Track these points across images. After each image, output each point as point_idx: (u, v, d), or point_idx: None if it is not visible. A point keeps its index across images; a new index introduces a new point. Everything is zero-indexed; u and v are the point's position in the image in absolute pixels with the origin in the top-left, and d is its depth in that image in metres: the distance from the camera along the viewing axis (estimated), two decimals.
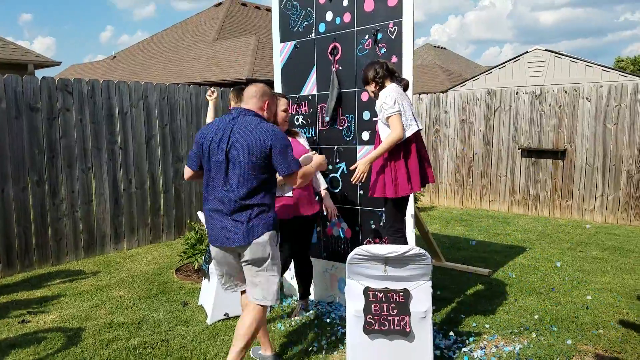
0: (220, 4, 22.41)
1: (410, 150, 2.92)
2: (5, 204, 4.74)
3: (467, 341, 3.16)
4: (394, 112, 2.83)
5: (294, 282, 4.09)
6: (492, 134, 7.67)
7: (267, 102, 2.67)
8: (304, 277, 3.69)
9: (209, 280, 3.73)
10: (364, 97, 3.49)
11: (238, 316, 3.38)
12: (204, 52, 17.78)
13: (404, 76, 3.23)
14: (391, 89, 2.93)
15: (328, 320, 3.52)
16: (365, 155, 3.32)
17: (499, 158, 7.64)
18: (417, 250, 2.56)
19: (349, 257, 2.66)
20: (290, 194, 3.24)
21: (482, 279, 4.40)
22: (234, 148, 2.50)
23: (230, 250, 2.59)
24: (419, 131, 2.97)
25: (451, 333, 3.25)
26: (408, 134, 2.89)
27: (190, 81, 14.87)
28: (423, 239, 4.78)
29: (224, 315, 3.59)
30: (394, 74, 3.01)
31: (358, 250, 2.62)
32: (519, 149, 7.39)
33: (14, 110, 4.76)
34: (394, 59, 3.30)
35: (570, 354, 2.99)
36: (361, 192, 3.60)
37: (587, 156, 6.82)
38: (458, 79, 21.81)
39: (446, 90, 12.78)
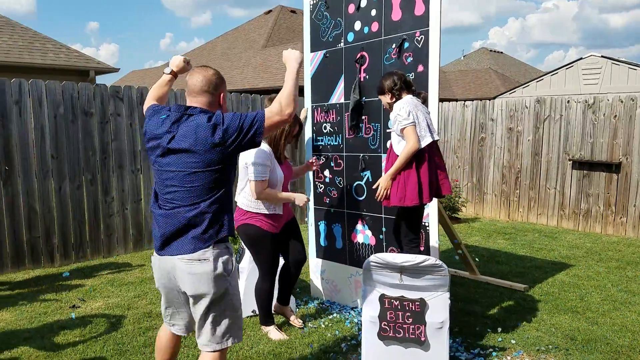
0: (270, 11, 23.02)
1: (423, 162, 2.92)
2: (63, 200, 5.17)
3: (490, 355, 3.10)
4: (407, 123, 2.85)
5: (318, 284, 4.18)
6: (541, 144, 7.38)
7: (222, 95, 2.23)
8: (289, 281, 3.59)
9: (239, 278, 3.88)
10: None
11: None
12: (253, 59, 18.33)
13: (430, 85, 3.24)
14: (406, 100, 2.95)
15: (349, 325, 3.56)
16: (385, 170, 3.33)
17: (548, 169, 7.33)
18: (433, 260, 2.56)
19: (365, 263, 2.70)
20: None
21: (517, 295, 4.26)
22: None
23: None
24: (434, 142, 2.97)
25: (474, 347, 3.19)
26: (422, 145, 2.89)
27: (239, 88, 15.37)
28: (455, 250, 4.70)
29: (252, 311, 3.74)
30: (410, 87, 3.04)
31: (374, 257, 2.66)
32: (569, 160, 7.06)
33: (71, 114, 5.19)
34: (420, 68, 3.31)
35: None
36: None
37: None
38: (515, 85, 21.07)
39: (494, 98, 12.39)
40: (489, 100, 8.18)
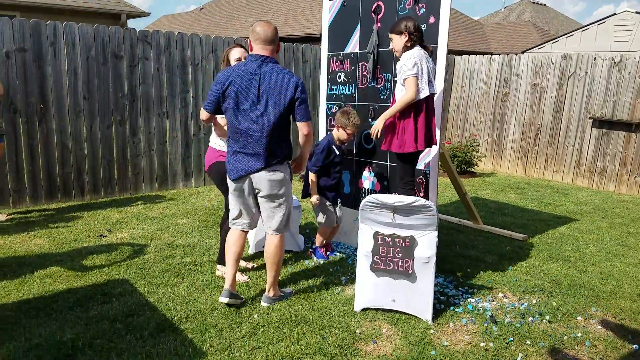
0: None
1: (420, 112, 3.07)
2: (93, 139, 5.54)
3: (477, 293, 3.36)
4: (411, 74, 2.99)
5: None
6: (563, 101, 7.29)
7: (279, 45, 2.96)
8: None
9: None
10: None
11: None
12: (282, 5, 18.07)
13: (440, 36, 3.34)
14: (414, 52, 3.07)
15: (350, 262, 3.87)
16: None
17: (568, 127, 7.28)
18: (423, 201, 2.78)
19: (361, 203, 2.94)
20: None
21: (515, 243, 4.47)
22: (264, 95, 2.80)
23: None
24: (431, 95, 3.11)
25: (463, 285, 3.46)
26: (421, 96, 3.03)
27: None
28: (461, 201, 4.89)
29: (263, 246, 4.07)
30: (422, 38, 3.14)
31: (369, 197, 2.89)
32: (590, 118, 6.99)
33: (102, 57, 5.45)
34: (432, 20, 3.39)
35: (576, 315, 3.09)
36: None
37: None
38: None
39: (522, 52, 12.03)
40: (516, 54, 8.03)
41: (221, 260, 3.50)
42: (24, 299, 3.10)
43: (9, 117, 4.98)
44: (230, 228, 3.16)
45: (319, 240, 3.98)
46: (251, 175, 2.92)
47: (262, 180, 2.91)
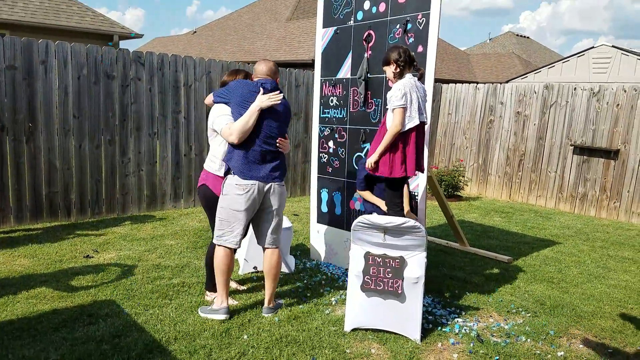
0: None
1: (409, 140, 3.15)
2: (82, 158, 5.52)
3: (464, 313, 3.40)
4: (399, 105, 3.06)
5: (317, 247, 4.49)
6: (546, 129, 7.52)
7: (277, 79, 3.32)
8: None
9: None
10: (391, 83, 3.74)
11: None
12: (276, 31, 18.40)
13: (427, 64, 3.45)
14: (405, 81, 3.13)
15: (341, 283, 3.89)
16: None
17: (550, 153, 7.50)
18: (413, 223, 2.84)
19: (353, 224, 2.99)
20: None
21: (500, 265, 4.54)
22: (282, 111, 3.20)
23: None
24: (421, 124, 3.19)
25: (450, 305, 3.50)
26: (409, 126, 3.11)
27: (260, 59, 15.50)
28: (449, 224, 4.97)
29: (253, 268, 4.08)
30: (413, 62, 3.22)
31: (361, 218, 2.95)
32: (571, 145, 7.21)
33: (93, 76, 5.49)
34: (420, 49, 3.53)
35: (559, 335, 3.16)
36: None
37: None
38: None
39: (507, 82, 12.43)
40: (500, 84, 8.29)
41: (210, 287, 3.51)
42: (7, 319, 3.04)
43: None
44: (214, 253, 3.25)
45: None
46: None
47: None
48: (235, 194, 3.09)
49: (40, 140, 5.22)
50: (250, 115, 3.05)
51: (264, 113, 3.11)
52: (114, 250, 4.55)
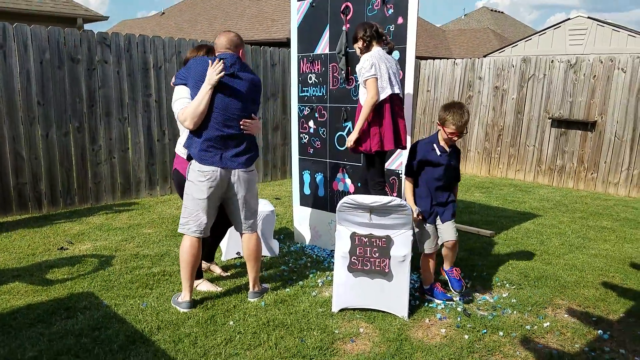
0: None
1: (384, 113, 3.09)
2: (50, 147, 5.27)
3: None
4: (369, 75, 3.01)
5: (301, 230, 4.42)
6: (524, 103, 7.55)
7: (241, 52, 3.00)
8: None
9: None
10: None
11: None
12: (248, 9, 17.93)
13: (408, 36, 3.36)
14: (372, 53, 3.09)
15: (327, 265, 3.83)
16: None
17: (529, 128, 7.54)
18: (399, 201, 2.78)
19: (338, 204, 2.91)
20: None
21: (483, 240, 4.56)
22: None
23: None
24: (395, 95, 3.12)
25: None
26: (382, 96, 3.05)
27: None
28: None
29: (236, 253, 3.98)
30: (381, 37, 3.17)
31: (346, 199, 2.87)
32: (549, 118, 7.26)
33: (57, 60, 5.21)
34: (400, 20, 3.42)
35: (544, 305, 3.18)
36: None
37: (617, 129, 6.65)
38: None
39: (484, 56, 12.45)
40: (478, 59, 8.26)
41: (207, 257, 3.54)
42: None
43: None
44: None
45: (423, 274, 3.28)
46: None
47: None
48: (198, 180, 2.89)
49: (4, 130, 4.95)
50: (202, 97, 2.78)
51: (223, 92, 2.83)
52: (90, 241, 4.38)
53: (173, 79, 3.09)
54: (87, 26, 11.82)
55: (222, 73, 2.79)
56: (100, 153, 5.65)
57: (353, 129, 3.29)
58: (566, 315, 3.05)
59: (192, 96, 2.86)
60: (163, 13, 24.08)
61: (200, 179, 2.89)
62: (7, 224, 4.82)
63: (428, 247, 3.15)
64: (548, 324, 2.92)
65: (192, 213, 2.96)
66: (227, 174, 2.92)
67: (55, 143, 5.29)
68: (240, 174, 2.96)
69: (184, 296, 3.06)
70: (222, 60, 2.82)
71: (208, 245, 3.51)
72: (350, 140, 3.20)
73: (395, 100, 3.15)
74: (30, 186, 5.18)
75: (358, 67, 3.11)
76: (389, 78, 3.09)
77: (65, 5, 11.11)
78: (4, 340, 2.62)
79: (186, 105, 2.87)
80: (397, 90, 3.14)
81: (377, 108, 3.10)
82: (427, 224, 3.11)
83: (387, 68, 3.09)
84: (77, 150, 5.47)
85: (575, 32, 13.02)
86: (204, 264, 3.58)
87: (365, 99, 3.07)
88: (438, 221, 3.10)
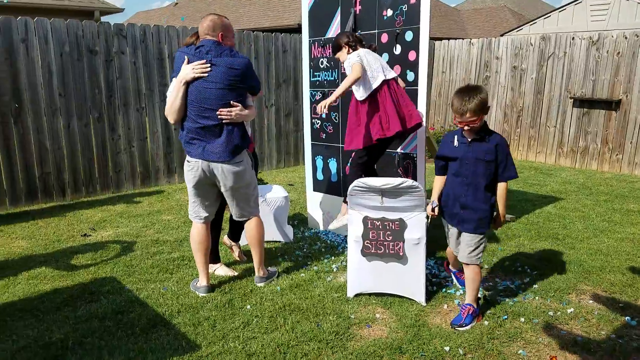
0: None
1: (384, 100, 3.11)
2: (71, 137, 5.39)
3: None
4: (355, 60, 3.04)
5: (315, 215, 4.44)
6: (544, 82, 7.36)
7: (220, 35, 2.84)
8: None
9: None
10: (384, 38, 3.59)
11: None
12: None
13: (422, 16, 3.32)
14: (357, 51, 3.14)
15: (341, 250, 3.85)
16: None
17: (549, 108, 7.36)
18: (410, 182, 2.76)
19: (349, 188, 2.91)
20: None
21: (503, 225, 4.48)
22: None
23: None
24: (391, 81, 3.13)
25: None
26: (375, 85, 3.09)
27: (245, 27, 15.11)
28: None
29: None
30: (361, 42, 3.24)
31: (357, 182, 2.86)
32: (570, 98, 7.06)
33: (76, 52, 5.30)
34: (413, 0, 3.35)
35: (568, 291, 3.12)
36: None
37: None
38: None
39: (501, 35, 12.12)
40: (495, 38, 8.07)
41: (232, 236, 3.61)
42: (9, 301, 3.00)
43: None
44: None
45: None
46: None
47: None
48: (186, 170, 3.00)
49: (29, 121, 5.08)
50: (176, 92, 2.75)
51: (195, 83, 2.75)
52: (112, 227, 4.50)
53: None
54: (103, 18, 11.95)
55: (204, 73, 2.73)
56: (120, 142, 5.75)
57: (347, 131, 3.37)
58: (591, 301, 2.98)
59: None
60: (177, 3, 24.16)
61: (187, 168, 2.98)
62: (33, 212, 4.98)
63: (450, 244, 2.93)
64: (572, 310, 2.86)
65: (190, 200, 3.08)
66: (207, 165, 2.89)
67: (76, 133, 5.41)
68: (223, 167, 2.87)
69: (201, 281, 3.13)
70: (206, 53, 2.77)
71: (233, 224, 3.58)
72: (322, 105, 3.02)
73: (393, 87, 3.15)
74: (54, 175, 5.33)
75: (346, 64, 3.14)
76: (381, 66, 3.13)
77: None
78: (33, 324, 2.73)
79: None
80: (391, 76, 3.15)
81: (373, 98, 3.13)
82: (449, 225, 2.84)
83: (375, 59, 3.14)
84: (97, 140, 5.58)
85: (597, 8, 12.51)
86: (227, 241, 3.66)
87: (347, 77, 3.07)
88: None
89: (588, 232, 4.25)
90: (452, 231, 2.83)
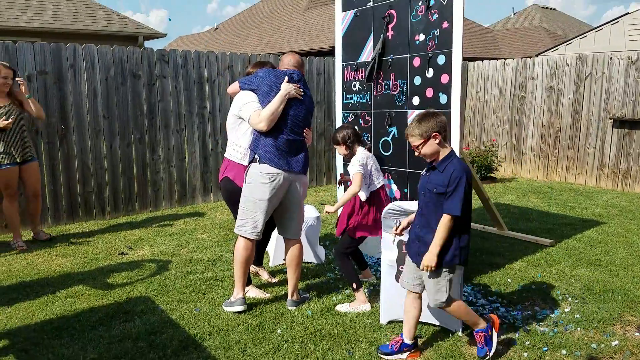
0: None
1: (370, 203, 3.32)
2: (114, 157, 5.61)
3: (506, 302, 3.25)
4: (357, 170, 3.20)
5: None
6: (581, 103, 7.15)
7: (303, 71, 3.32)
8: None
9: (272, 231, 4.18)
10: (416, 62, 3.59)
11: None
12: (295, 21, 18.24)
13: (454, 41, 3.32)
14: (361, 155, 3.29)
15: (373, 272, 3.79)
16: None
17: (588, 128, 7.13)
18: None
19: (383, 211, 2.89)
20: None
21: (542, 249, 4.34)
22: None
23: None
24: (380, 188, 3.34)
25: (492, 294, 3.35)
26: (369, 191, 3.29)
27: (281, 51, 15.44)
28: (484, 207, 4.79)
29: (284, 260, 4.03)
30: (360, 138, 3.39)
31: (391, 205, 2.84)
32: (610, 119, 6.83)
33: (120, 77, 5.55)
34: (445, 25, 3.35)
35: (611, 322, 2.97)
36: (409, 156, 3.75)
37: None
38: None
39: (536, 56, 11.93)
40: (530, 58, 7.94)
41: (255, 261, 3.67)
42: (47, 319, 3.10)
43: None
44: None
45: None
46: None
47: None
48: (260, 182, 3.02)
49: (73, 142, 5.32)
50: (279, 102, 3.00)
51: (291, 102, 3.06)
52: (148, 246, 4.61)
53: (236, 85, 3.26)
54: (147, 43, 12.47)
55: (298, 93, 3.09)
56: (159, 162, 5.94)
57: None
58: (637, 334, 2.83)
59: (262, 101, 3.04)
60: (216, 28, 25.00)
61: (264, 180, 3.02)
62: (73, 230, 5.16)
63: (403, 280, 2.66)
64: (617, 342, 2.72)
65: (250, 214, 3.08)
66: (289, 177, 3.07)
67: (118, 153, 5.62)
68: (301, 178, 3.16)
69: (237, 293, 3.17)
70: (298, 82, 3.14)
71: (256, 249, 3.57)
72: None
73: (376, 194, 3.33)
74: (95, 194, 5.53)
75: (353, 160, 3.30)
76: (376, 171, 3.34)
77: (128, 24, 11.81)
78: (69, 342, 2.80)
79: (258, 108, 3.04)
80: (379, 184, 3.33)
81: (371, 199, 3.32)
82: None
83: (372, 163, 3.34)
84: (138, 160, 5.78)
85: (636, 27, 12.14)
86: (253, 268, 3.67)
87: (349, 188, 3.24)
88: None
89: (632, 259, 4.05)
90: (407, 262, 2.63)
